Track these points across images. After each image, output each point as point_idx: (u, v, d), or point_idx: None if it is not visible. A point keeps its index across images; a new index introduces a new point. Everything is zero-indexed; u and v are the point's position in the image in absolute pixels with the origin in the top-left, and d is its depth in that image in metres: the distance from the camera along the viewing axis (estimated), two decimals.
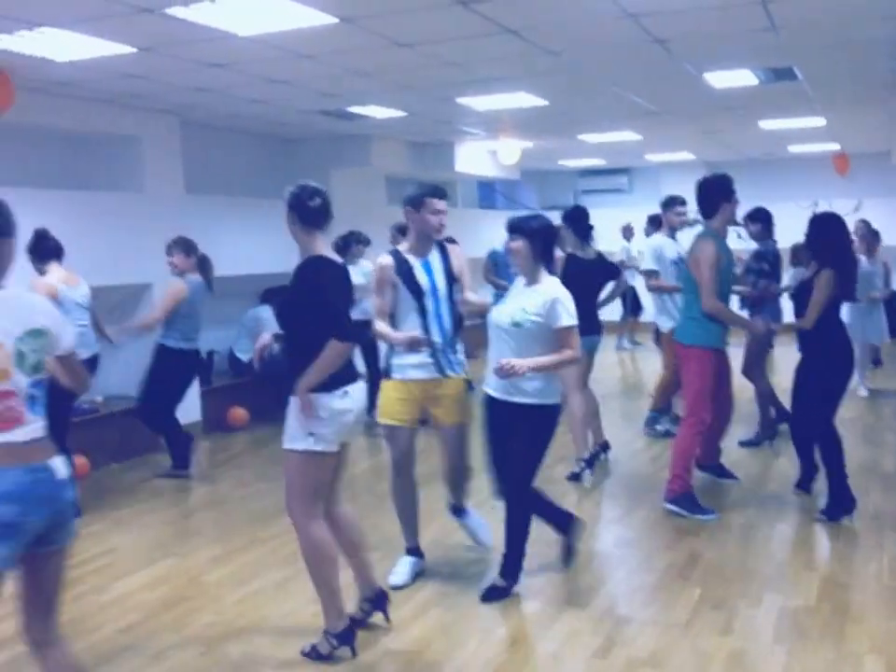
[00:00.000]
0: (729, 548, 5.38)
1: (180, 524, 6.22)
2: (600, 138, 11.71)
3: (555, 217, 10.30)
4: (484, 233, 12.78)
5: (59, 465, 2.90)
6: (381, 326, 4.76)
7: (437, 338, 4.76)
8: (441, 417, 4.90)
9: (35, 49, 5.89)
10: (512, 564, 4.72)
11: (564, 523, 5.09)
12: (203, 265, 7.24)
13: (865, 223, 10.30)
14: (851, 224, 7.76)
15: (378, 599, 4.33)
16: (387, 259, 4.81)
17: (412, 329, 4.71)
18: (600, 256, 7.14)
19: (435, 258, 4.83)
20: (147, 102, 8.01)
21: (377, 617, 4.34)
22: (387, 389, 4.84)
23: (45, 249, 6.16)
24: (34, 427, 2.86)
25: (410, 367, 4.76)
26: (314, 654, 4.05)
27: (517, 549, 4.71)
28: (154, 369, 7.11)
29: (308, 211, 3.97)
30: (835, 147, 13.19)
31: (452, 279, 4.85)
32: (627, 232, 13.97)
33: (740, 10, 5.42)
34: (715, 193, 5.97)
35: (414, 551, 5.05)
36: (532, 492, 4.78)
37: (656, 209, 8.33)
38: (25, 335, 2.84)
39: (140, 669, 4.05)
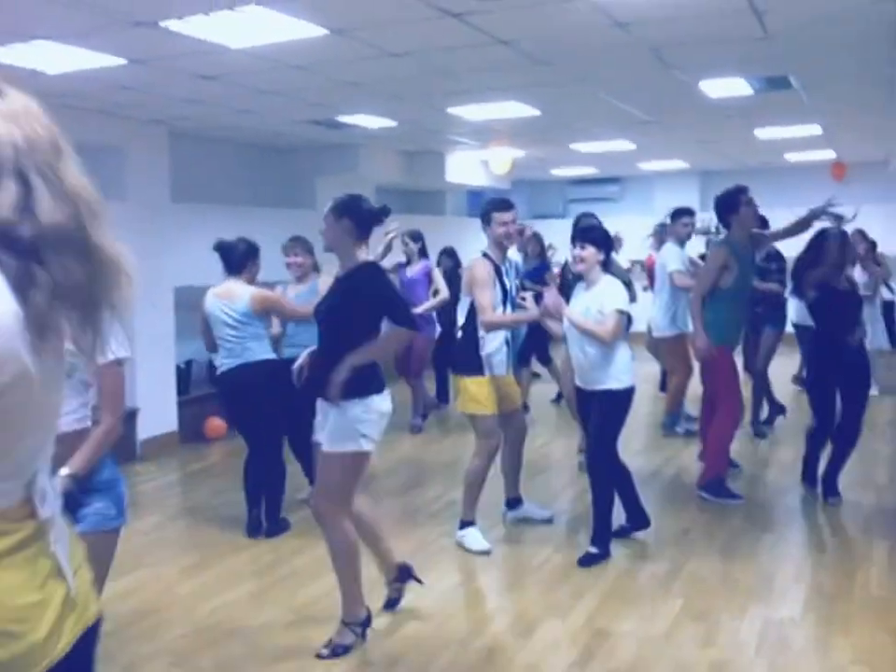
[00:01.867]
0: (712, 559, 5.38)
1: (154, 534, 6.19)
2: (592, 147, 11.73)
3: (546, 226, 10.47)
4: (473, 242, 12.81)
5: None
6: (497, 315, 5.46)
7: (510, 336, 5.71)
8: (514, 402, 5.80)
9: (27, 60, 5.91)
10: (602, 532, 5.40)
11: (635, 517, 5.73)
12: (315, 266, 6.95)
13: (861, 233, 10.35)
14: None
15: (403, 572, 4.67)
16: (488, 263, 5.51)
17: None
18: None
19: (508, 264, 5.70)
20: (137, 112, 8.03)
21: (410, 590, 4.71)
22: (486, 384, 5.54)
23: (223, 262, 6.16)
24: None
25: (500, 363, 5.59)
26: (340, 650, 4.20)
27: (604, 519, 5.40)
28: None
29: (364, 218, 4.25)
30: (832, 154, 13.25)
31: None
32: (616, 243, 13.83)
33: (733, 19, 5.42)
34: (722, 208, 6.57)
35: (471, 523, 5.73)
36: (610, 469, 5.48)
37: (648, 218, 8.51)
38: None
39: None
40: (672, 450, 7.51)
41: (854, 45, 6.05)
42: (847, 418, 6.37)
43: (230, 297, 5.99)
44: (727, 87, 7.59)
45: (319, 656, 4.17)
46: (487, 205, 5.65)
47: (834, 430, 6.46)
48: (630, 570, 5.26)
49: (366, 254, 4.28)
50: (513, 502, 6.11)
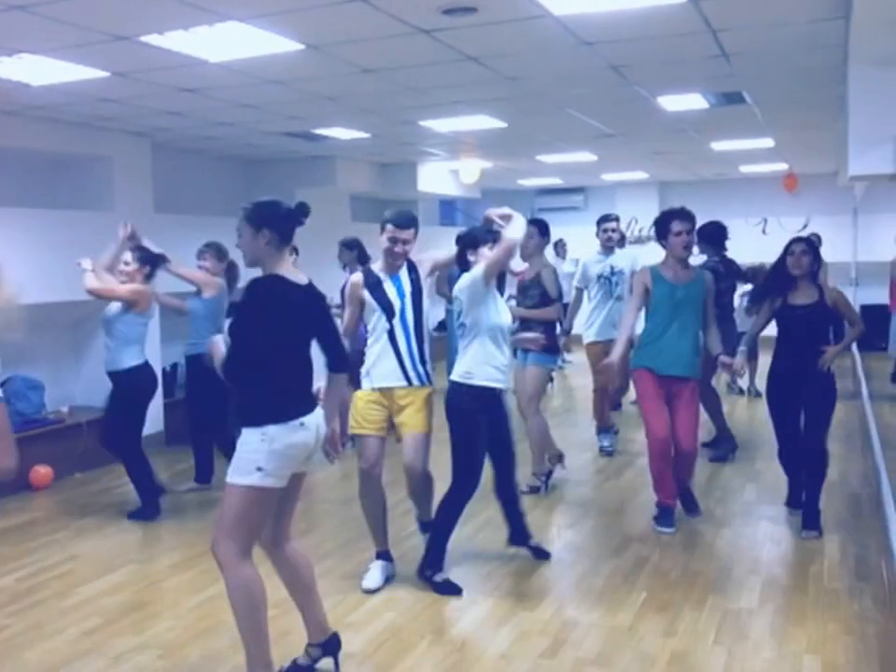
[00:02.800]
0: (674, 553, 5.43)
1: (141, 531, 6.17)
2: (558, 159, 11.79)
3: None
4: (445, 249, 12.81)
5: None
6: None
7: (404, 348, 4.86)
8: (404, 426, 4.92)
9: (12, 73, 5.87)
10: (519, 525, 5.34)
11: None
12: (231, 271, 7.10)
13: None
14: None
15: (330, 644, 3.91)
16: (357, 277, 4.97)
17: (382, 338, 4.86)
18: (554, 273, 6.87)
19: (404, 274, 4.93)
20: (120, 124, 8.00)
21: (325, 662, 3.92)
22: (358, 399, 4.93)
23: None
24: None
25: (379, 375, 4.87)
26: None
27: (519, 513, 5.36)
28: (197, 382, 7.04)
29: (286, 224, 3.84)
30: (784, 166, 13.37)
31: (420, 294, 4.95)
32: (559, 248, 13.58)
33: (691, 39, 5.47)
34: (657, 231, 6.07)
35: (385, 555, 5.07)
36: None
37: None
38: None
39: None
40: (633, 454, 7.53)
41: (805, 63, 6.12)
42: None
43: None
44: (684, 102, 7.66)
45: None
46: (388, 214, 4.91)
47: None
48: (596, 565, 5.29)
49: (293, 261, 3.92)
50: (425, 525, 5.23)
